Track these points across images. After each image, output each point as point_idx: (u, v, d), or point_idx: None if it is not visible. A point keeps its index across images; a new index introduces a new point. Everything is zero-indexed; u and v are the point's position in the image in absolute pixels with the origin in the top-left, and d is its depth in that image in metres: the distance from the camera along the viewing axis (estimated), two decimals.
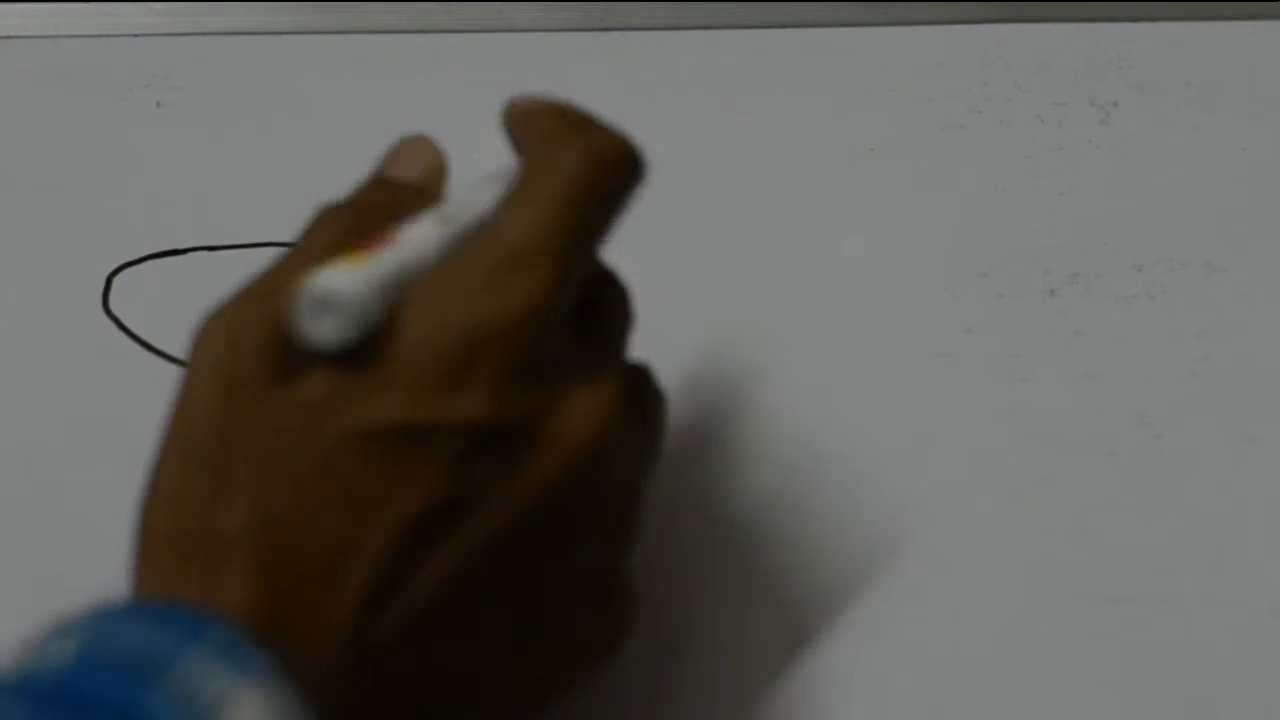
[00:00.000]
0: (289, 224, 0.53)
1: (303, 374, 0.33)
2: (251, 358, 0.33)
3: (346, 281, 0.33)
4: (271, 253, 0.52)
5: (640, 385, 0.37)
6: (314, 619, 0.31)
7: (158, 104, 0.58)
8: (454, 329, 0.32)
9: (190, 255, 0.52)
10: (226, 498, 0.32)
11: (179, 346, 0.49)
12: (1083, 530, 0.44)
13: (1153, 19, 0.64)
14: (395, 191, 0.37)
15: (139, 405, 0.47)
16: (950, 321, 0.51)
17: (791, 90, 0.60)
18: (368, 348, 0.32)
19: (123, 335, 0.49)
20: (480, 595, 0.32)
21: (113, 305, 0.50)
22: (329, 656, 0.31)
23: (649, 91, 0.59)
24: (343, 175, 0.56)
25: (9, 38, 0.61)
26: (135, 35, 0.61)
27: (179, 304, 0.50)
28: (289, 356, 0.33)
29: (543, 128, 0.36)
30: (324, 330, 0.33)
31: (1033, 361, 0.49)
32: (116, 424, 0.46)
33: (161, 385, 0.48)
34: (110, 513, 0.44)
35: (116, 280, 0.51)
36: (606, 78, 0.60)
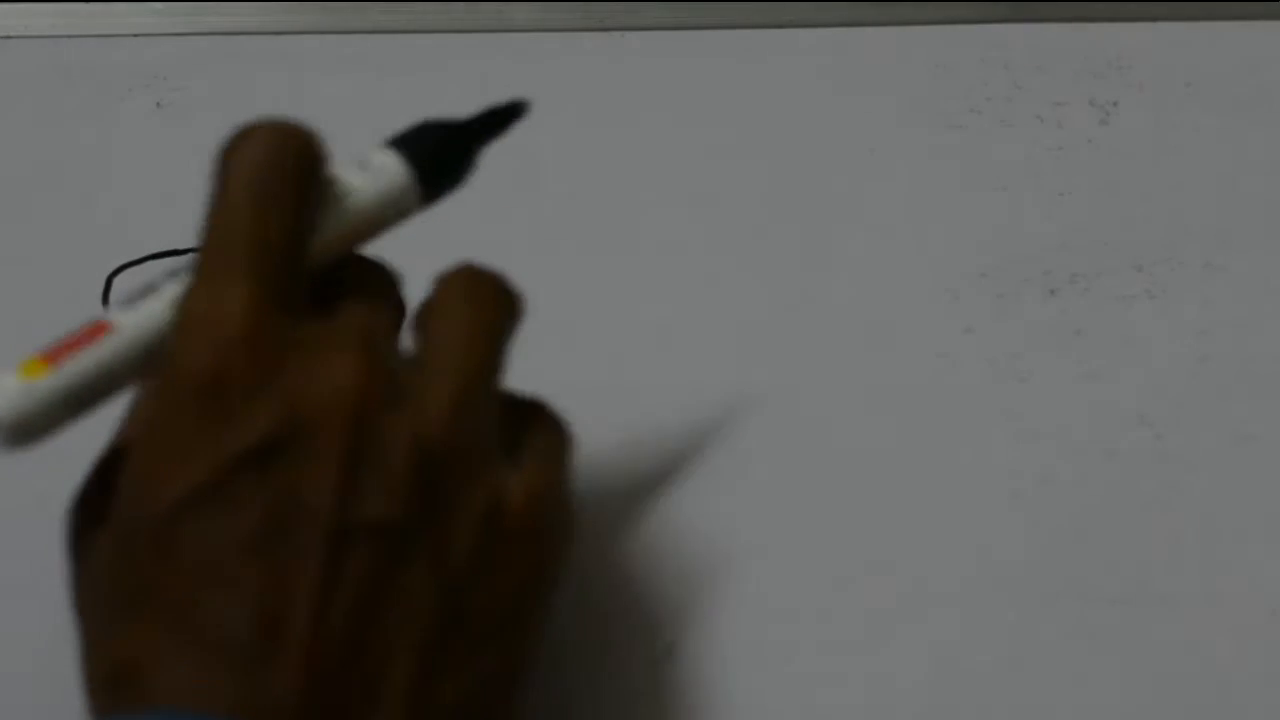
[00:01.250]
0: None
1: None
2: (87, 507, 0.36)
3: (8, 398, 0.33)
4: None
5: (534, 417, 0.38)
6: (230, 679, 0.32)
7: (158, 104, 0.58)
8: (189, 374, 0.33)
9: (190, 255, 0.52)
10: (122, 626, 0.33)
11: None
12: (1083, 530, 0.44)
13: (1153, 19, 0.64)
14: None
15: None
16: (950, 321, 0.51)
17: (791, 90, 0.60)
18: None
19: None
20: (355, 606, 0.33)
21: (113, 305, 0.50)
22: (252, 700, 0.31)
23: (649, 91, 0.59)
24: None
25: (9, 38, 0.61)
26: (135, 35, 0.61)
27: None
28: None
29: (216, 161, 0.37)
30: None
31: (1033, 361, 0.49)
32: (116, 424, 0.46)
33: None
34: None
35: (116, 280, 0.51)
36: (606, 78, 0.60)
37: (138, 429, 0.34)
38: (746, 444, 0.46)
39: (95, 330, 0.34)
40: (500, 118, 0.40)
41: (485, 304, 0.37)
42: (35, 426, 0.33)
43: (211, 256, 0.35)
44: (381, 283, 0.38)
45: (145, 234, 0.52)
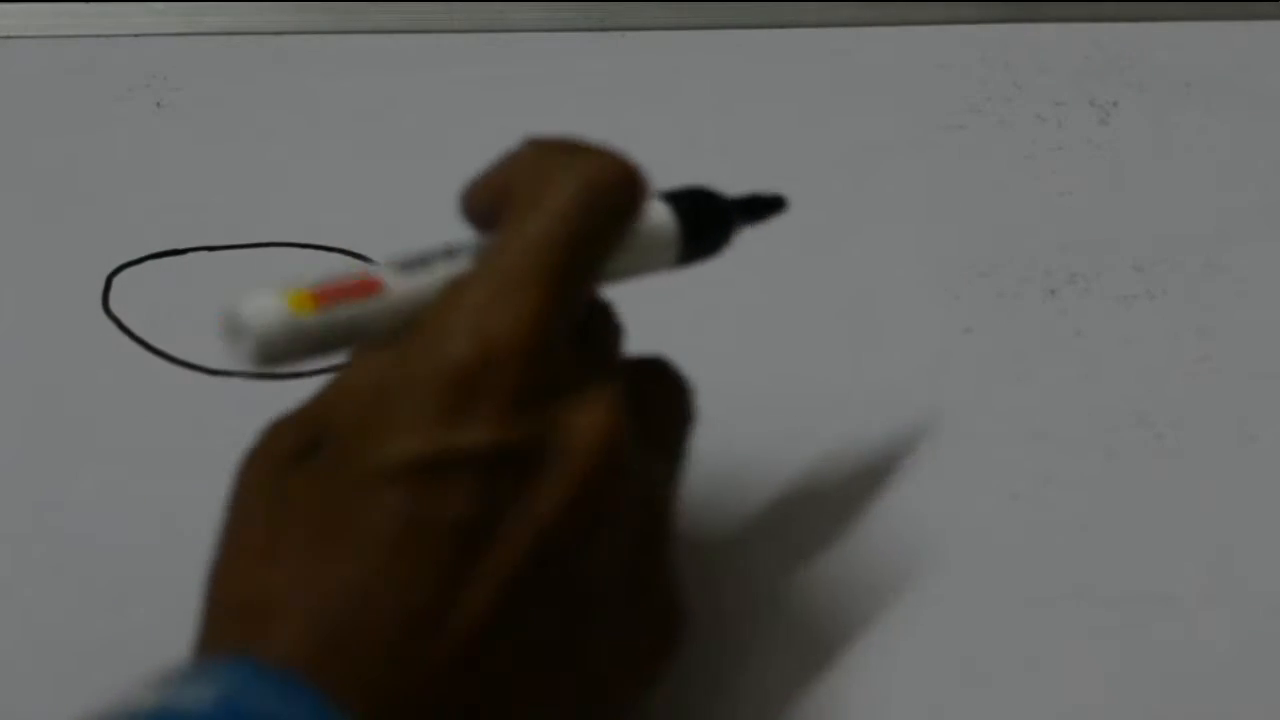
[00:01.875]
0: (289, 224, 0.53)
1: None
2: (284, 441, 0.34)
3: (259, 316, 0.33)
4: (271, 253, 0.53)
5: (655, 378, 0.38)
6: (365, 666, 0.31)
7: (158, 104, 0.58)
8: (451, 361, 0.33)
9: (190, 255, 0.52)
10: (271, 562, 0.33)
11: (179, 346, 0.49)
12: (1083, 530, 0.44)
13: (1153, 19, 0.64)
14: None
15: (139, 405, 0.47)
16: (950, 321, 0.51)
17: (791, 90, 0.60)
18: (374, 393, 0.33)
19: (123, 335, 0.49)
20: (518, 616, 0.33)
21: (113, 305, 0.50)
22: (381, 695, 0.31)
23: (649, 91, 0.59)
24: (343, 175, 0.56)
25: (9, 38, 0.61)
26: (135, 35, 0.61)
27: (179, 304, 0.50)
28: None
29: (528, 166, 0.36)
30: (233, 352, 0.34)
31: (1033, 361, 0.49)
32: (116, 424, 0.46)
33: (161, 385, 0.48)
34: (110, 513, 0.44)
35: (116, 280, 0.51)
36: (606, 78, 0.60)
37: (367, 391, 0.34)
38: (743, 443, 0.46)
39: (367, 285, 0.34)
40: (763, 206, 0.41)
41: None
42: (282, 356, 0.34)
43: (514, 256, 0.34)
44: (613, 328, 0.38)
45: (145, 234, 0.52)
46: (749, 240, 0.53)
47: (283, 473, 0.34)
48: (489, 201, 0.37)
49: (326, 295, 0.34)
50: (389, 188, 0.55)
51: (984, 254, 0.53)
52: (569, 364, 0.34)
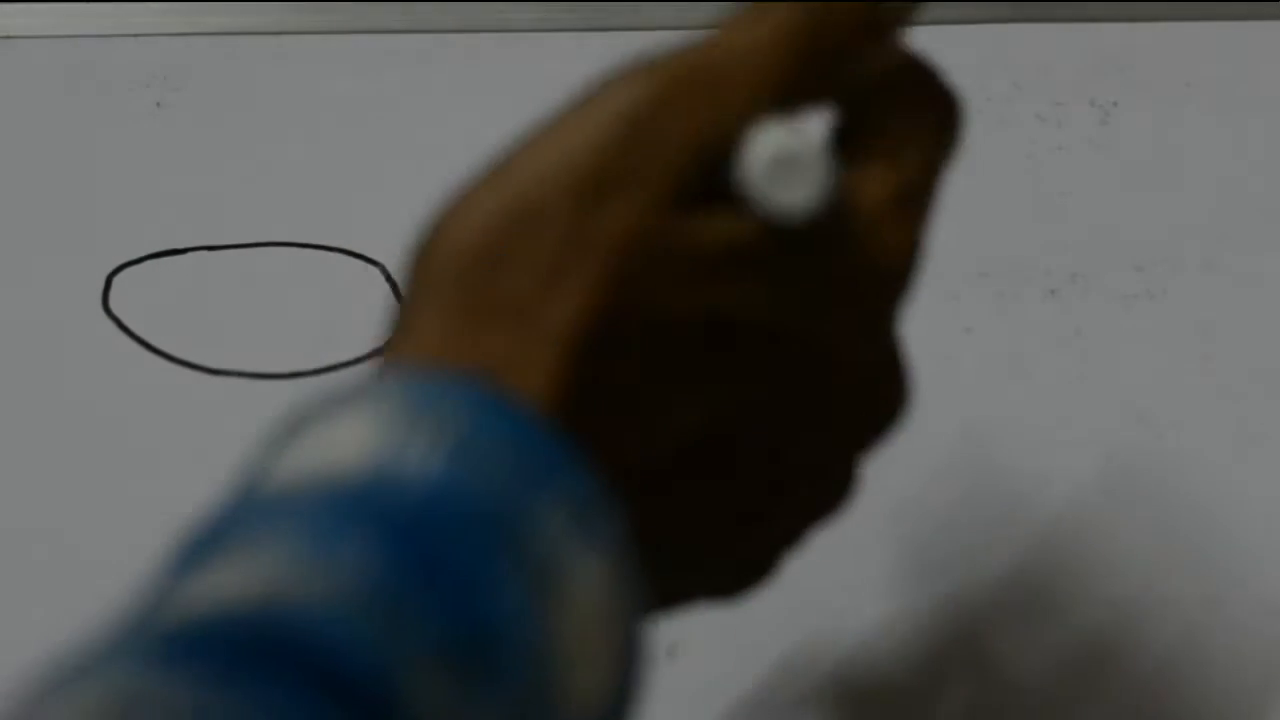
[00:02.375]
0: (289, 224, 0.53)
1: (705, 209, 0.30)
2: (665, 173, 0.29)
3: (811, 144, 0.30)
4: (271, 253, 0.53)
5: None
6: (611, 435, 0.28)
7: (158, 104, 0.58)
8: (879, 257, 0.32)
9: (190, 255, 0.52)
10: (562, 281, 0.28)
11: (179, 346, 0.49)
12: (1082, 530, 0.44)
13: (1153, 19, 0.64)
14: None
15: (139, 405, 0.47)
16: (950, 321, 0.50)
17: None
18: None
19: (123, 335, 0.49)
20: (746, 412, 0.31)
21: (113, 305, 0.50)
22: (618, 471, 0.28)
23: None
24: (343, 175, 0.56)
25: (9, 38, 0.61)
26: (135, 35, 0.62)
27: (179, 304, 0.50)
28: (699, 183, 0.30)
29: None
30: (788, 196, 0.30)
31: (1033, 361, 0.49)
32: (116, 424, 0.46)
33: (161, 385, 0.48)
34: (111, 512, 0.44)
35: (116, 280, 0.51)
36: None
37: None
38: None
39: None
40: None
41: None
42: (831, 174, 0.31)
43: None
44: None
45: (145, 234, 0.52)
46: None
47: (647, 206, 0.29)
48: None
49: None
50: (389, 187, 0.55)
51: (984, 254, 0.53)
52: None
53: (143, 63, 0.60)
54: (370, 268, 0.52)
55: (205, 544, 0.25)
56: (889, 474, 0.46)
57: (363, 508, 0.25)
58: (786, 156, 0.30)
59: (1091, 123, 0.58)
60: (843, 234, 0.31)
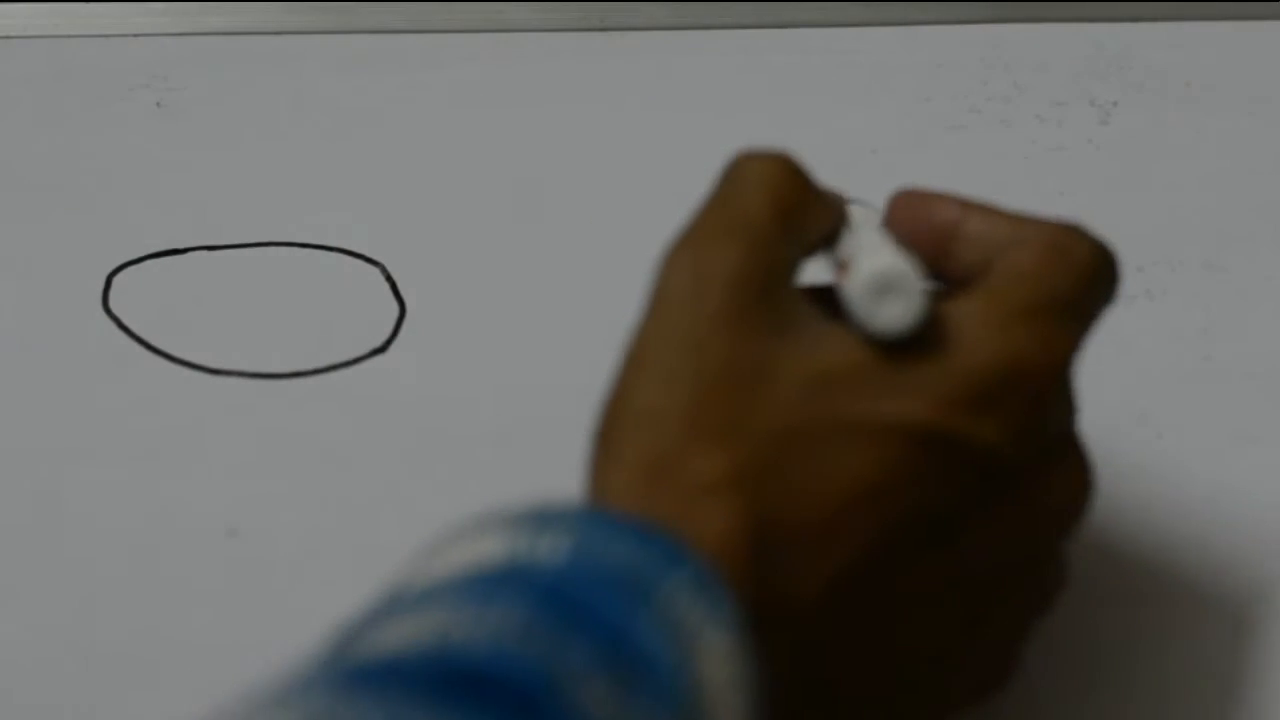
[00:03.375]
0: (289, 224, 0.53)
1: (790, 330, 0.33)
2: (732, 296, 0.33)
3: (907, 265, 0.33)
4: (271, 253, 0.53)
5: None
6: (780, 587, 0.31)
7: (158, 104, 0.58)
8: (1002, 354, 0.33)
9: (190, 255, 0.52)
10: (715, 437, 0.32)
11: (179, 346, 0.49)
12: (1083, 530, 0.44)
13: (1153, 19, 0.64)
14: (811, 181, 0.37)
15: (139, 405, 0.47)
16: None
17: (792, 90, 0.60)
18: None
19: (123, 335, 0.49)
20: (932, 614, 0.33)
21: (113, 305, 0.50)
22: (780, 625, 0.31)
23: (649, 91, 0.59)
24: (343, 175, 0.56)
25: (9, 38, 0.61)
26: (135, 35, 0.62)
27: (179, 304, 0.50)
28: (767, 304, 0.33)
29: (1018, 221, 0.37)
30: (891, 315, 0.33)
31: None
32: (116, 424, 0.46)
33: (161, 385, 0.48)
34: (110, 513, 0.44)
35: (116, 280, 0.51)
36: (606, 78, 0.60)
37: (877, 352, 0.33)
38: None
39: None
40: None
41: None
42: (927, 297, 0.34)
43: (1079, 280, 0.36)
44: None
45: (145, 234, 0.52)
46: None
47: (745, 334, 0.33)
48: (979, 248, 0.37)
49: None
50: (389, 187, 0.55)
51: None
52: (1062, 412, 0.35)
53: (143, 63, 0.60)
54: (370, 268, 0.52)
55: (365, 623, 0.28)
56: None
57: (507, 580, 0.28)
58: (886, 276, 0.33)
59: (1091, 123, 0.58)
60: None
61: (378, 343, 0.49)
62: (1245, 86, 0.60)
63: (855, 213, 0.39)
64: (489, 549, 0.29)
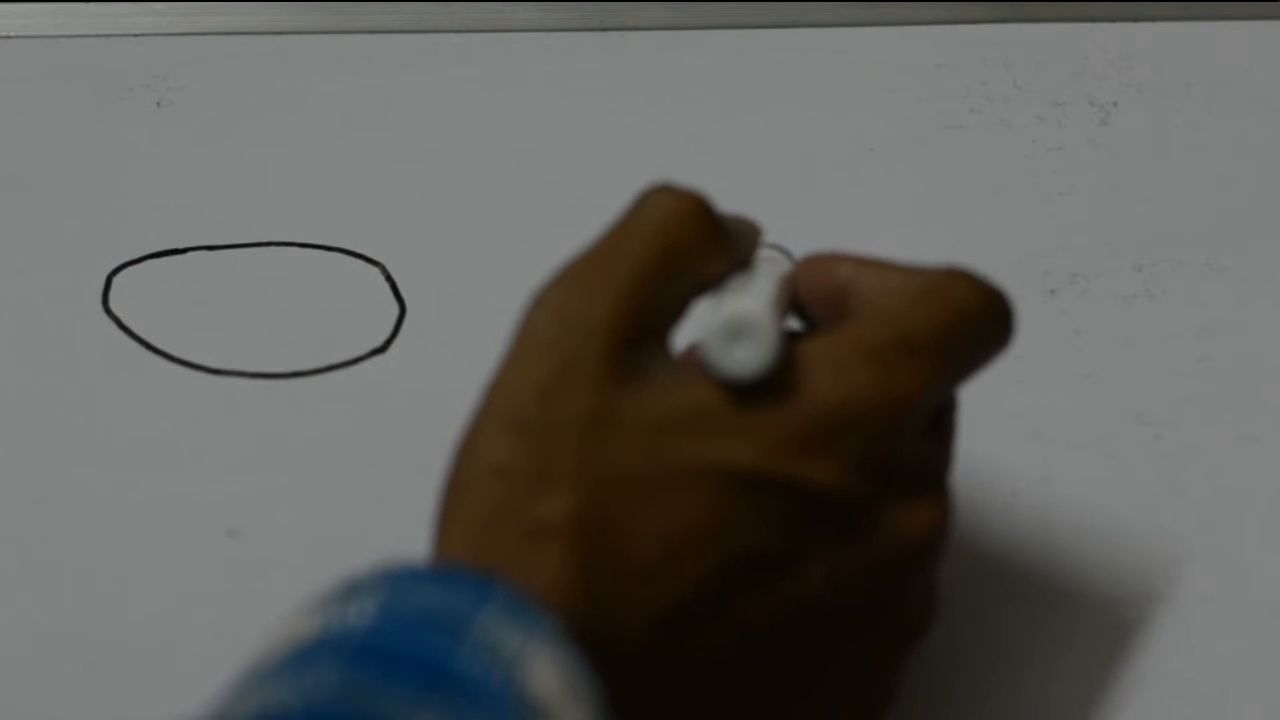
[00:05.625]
0: (289, 224, 0.53)
1: (644, 378, 0.33)
2: (592, 345, 0.33)
3: (765, 312, 0.34)
4: (271, 253, 0.53)
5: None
6: (612, 627, 0.31)
7: (158, 104, 0.58)
8: (835, 395, 0.33)
9: (190, 255, 0.52)
10: (554, 484, 0.32)
11: (179, 346, 0.49)
12: (1083, 530, 0.44)
13: (1153, 19, 0.64)
14: (717, 223, 0.37)
15: (139, 405, 0.47)
16: None
17: (791, 90, 0.60)
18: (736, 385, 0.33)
19: (123, 335, 0.49)
20: (774, 652, 0.33)
21: (113, 305, 0.50)
22: (616, 666, 0.31)
23: (649, 91, 0.59)
24: (343, 175, 0.56)
25: (9, 38, 0.61)
26: (135, 35, 0.61)
27: (179, 304, 0.50)
28: (629, 352, 0.33)
29: (903, 271, 0.37)
30: (738, 359, 0.33)
31: (1033, 361, 0.49)
32: (116, 424, 0.46)
33: (161, 385, 0.48)
34: (110, 512, 0.44)
35: (116, 280, 0.51)
36: (606, 78, 0.60)
37: (717, 392, 0.34)
38: None
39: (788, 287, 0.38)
40: None
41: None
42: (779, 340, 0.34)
43: (940, 316, 0.35)
44: (952, 426, 0.38)
45: (145, 234, 0.52)
46: None
47: (591, 386, 0.33)
48: (835, 288, 0.37)
49: (783, 302, 0.36)
50: (389, 187, 0.55)
51: (984, 254, 0.53)
52: (916, 452, 0.35)
53: (143, 63, 0.60)
54: (370, 268, 0.52)
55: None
56: None
57: (320, 648, 0.29)
58: (738, 320, 0.33)
59: (1091, 123, 0.58)
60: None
61: (378, 343, 0.49)
62: (1245, 86, 0.60)
63: (762, 258, 0.39)
64: (303, 628, 0.30)
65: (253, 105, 0.58)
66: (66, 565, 0.42)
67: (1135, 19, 0.64)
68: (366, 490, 0.45)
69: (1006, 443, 0.47)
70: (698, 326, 0.34)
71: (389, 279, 0.51)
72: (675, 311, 0.35)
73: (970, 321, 0.36)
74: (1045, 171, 0.56)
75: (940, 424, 0.36)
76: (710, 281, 0.36)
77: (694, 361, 0.34)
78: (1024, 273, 0.52)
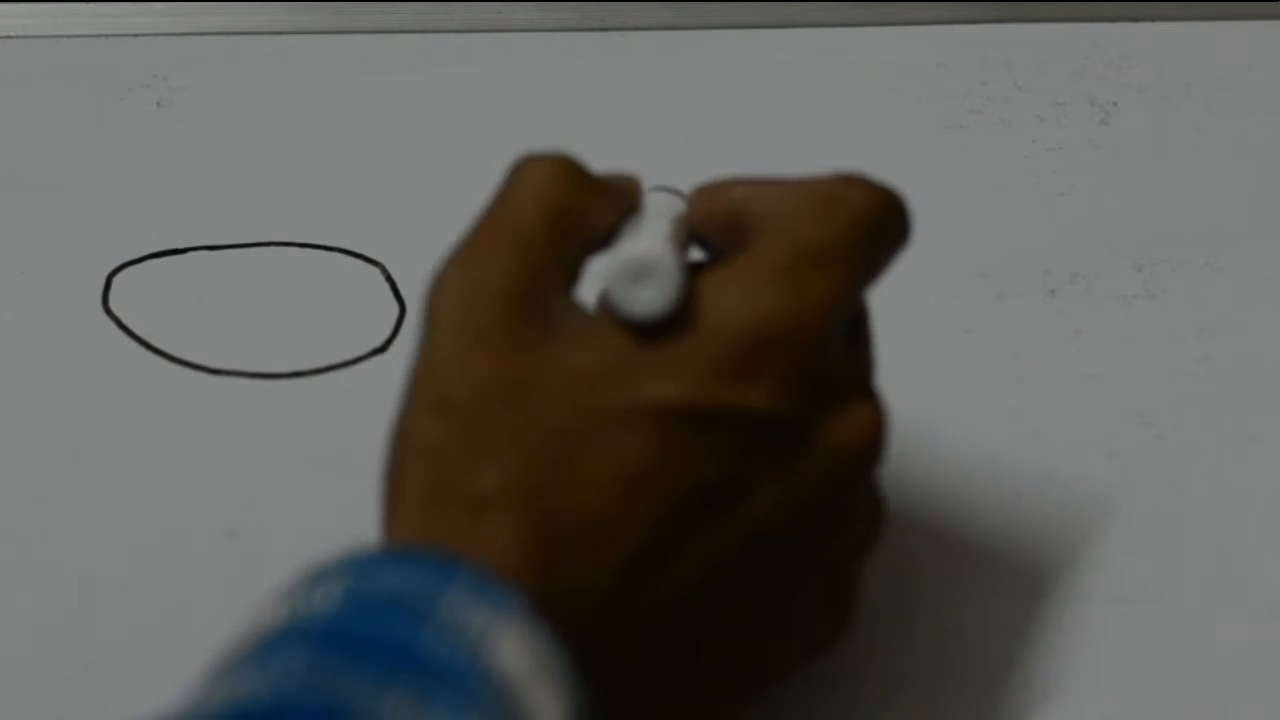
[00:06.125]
0: (289, 224, 0.53)
1: (556, 336, 0.33)
2: (496, 312, 0.34)
3: (663, 250, 0.34)
4: (271, 253, 0.53)
5: None
6: (570, 585, 0.31)
7: (158, 104, 0.58)
8: (752, 318, 0.33)
9: (190, 255, 0.52)
10: (487, 454, 0.32)
11: (179, 346, 0.49)
12: (1083, 530, 0.44)
13: (1153, 19, 0.64)
14: (592, 180, 0.37)
15: (139, 405, 0.47)
16: (950, 321, 0.51)
17: (791, 90, 0.60)
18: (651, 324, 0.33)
19: (123, 335, 0.49)
20: (734, 582, 0.33)
21: (113, 305, 0.50)
22: (580, 624, 0.31)
23: (649, 91, 0.59)
24: (343, 175, 0.56)
25: (9, 38, 0.61)
26: (135, 35, 0.62)
27: (179, 304, 0.50)
28: (535, 314, 0.34)
29: (799, 183, 0.37)
30: (643, 299, 0.33)
31: (1033, 361, 0.49)
32: (116, 424, 0.46)
33: (161, 385, 0.48)
34: (110, 512, 0.44)
35: (116, 280, 0.51)
36: (606, 78, 0.60)
37: (627, 333, 0.34)
38: None
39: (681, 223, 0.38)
40: None
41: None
42: (683, 277, 0.34)
43: (839, 226, 0.35)
44: (868, 337, 0.38)
45: (145, 234, 0.52)
46: None
47: (506, 352, 0.33)
48: (737, 211, 0.37)
49: (679, 238, 0.36)
50: (388, 187, 0.55)
51: (984, 254, 0.53)
52: (840, 360, 0.35)
53: (143, 63, 0.60)
54: (370, 268, 0.52)
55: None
56: (887, 474, 0.46)
57: (285, 637, 0.29)
58: (639, 262, 0.33)
59: (1091, 123, 0.59)
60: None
61: (378, 343, 0.49)
62: (1245, 86, 0.60)
63: (652, 201, 0.39)
64: (270, 616, 0.30)
65: (253, 105, 0.58)
66: (66, 565, 0.42)
67: (1135, 19, 0.64)
68: (366, 490, 0.44)
69: (1006, 443, 0.47)
70: (600, 278, 0.34)
71: (389, 279, 0.51)
72: (571, 268, 0.36)
73: (870, 224, 0.36)
74: (1045, 171, 0.56)
75: (856, 330, 0.36)
76: (601, 235, 0.37)
77: (603, 311, 0.34)
78: (1024, 273, 0.52)
